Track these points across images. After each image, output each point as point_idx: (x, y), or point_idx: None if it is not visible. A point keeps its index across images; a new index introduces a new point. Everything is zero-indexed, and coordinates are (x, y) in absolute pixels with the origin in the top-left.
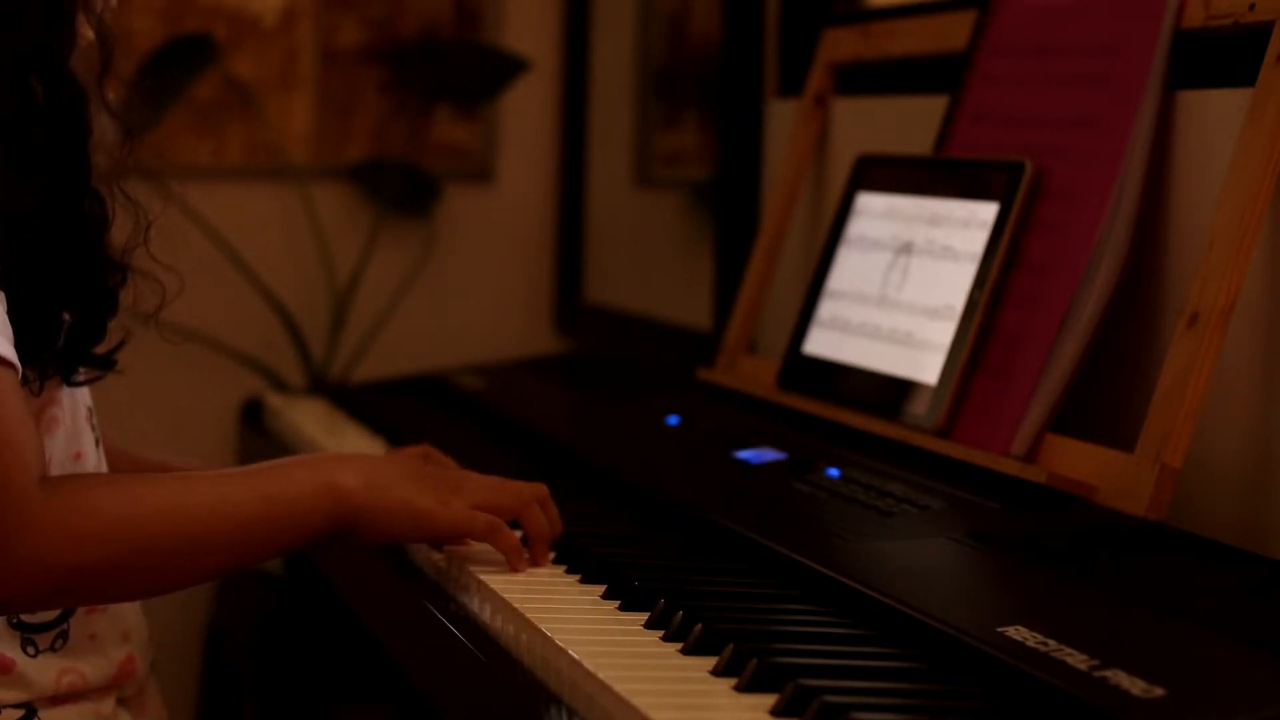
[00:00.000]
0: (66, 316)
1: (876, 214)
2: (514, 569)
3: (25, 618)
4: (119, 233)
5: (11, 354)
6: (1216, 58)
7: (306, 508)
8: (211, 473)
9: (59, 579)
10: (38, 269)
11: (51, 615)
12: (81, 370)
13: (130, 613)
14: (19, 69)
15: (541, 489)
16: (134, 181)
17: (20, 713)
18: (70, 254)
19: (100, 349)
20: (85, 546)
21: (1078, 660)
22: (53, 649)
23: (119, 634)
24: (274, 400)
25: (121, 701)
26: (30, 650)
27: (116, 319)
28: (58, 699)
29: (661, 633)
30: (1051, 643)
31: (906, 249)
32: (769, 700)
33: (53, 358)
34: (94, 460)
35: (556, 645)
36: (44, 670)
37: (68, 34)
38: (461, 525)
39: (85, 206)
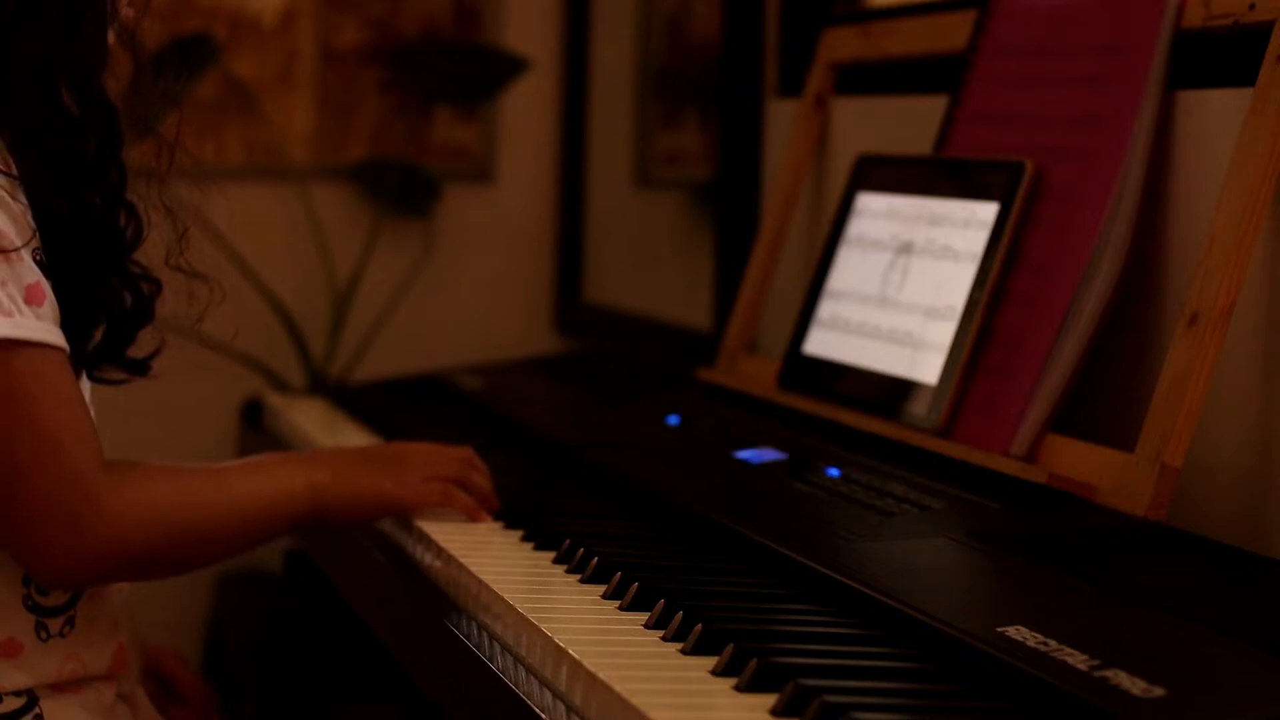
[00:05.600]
0: (100, 321)
1: (876, 214)
2: (477, 520)
3: (41, 600)
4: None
5: (62, 339)
6: (1216, 58)
7: (295, 503)
8: (223, 467)
9: (124, 557)
10: (72, 275)
11: (63, 599)
12: (111, 370)
13: (115, 598)
14: (47, 78)
15: (468, 450)
16: (170, 188)
17: (21, 700)
18: (103, 262)
19: (134, 354)
20: (150, 531)
21: (1078, 660)
22: (61, 635)
23: (110, 621)
24: (274, 400)
25: (121, 697)
26: (42, 634)
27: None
28: (58, 686)
29: (661, 633)
30: (1051, 643)
31: (906, 249)
32: (769, 700)
33: (83, 358)
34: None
35: (557, 645)
36: (50, 655)
37: (97, 46)
38: (421, 499)
39: (119, 216)
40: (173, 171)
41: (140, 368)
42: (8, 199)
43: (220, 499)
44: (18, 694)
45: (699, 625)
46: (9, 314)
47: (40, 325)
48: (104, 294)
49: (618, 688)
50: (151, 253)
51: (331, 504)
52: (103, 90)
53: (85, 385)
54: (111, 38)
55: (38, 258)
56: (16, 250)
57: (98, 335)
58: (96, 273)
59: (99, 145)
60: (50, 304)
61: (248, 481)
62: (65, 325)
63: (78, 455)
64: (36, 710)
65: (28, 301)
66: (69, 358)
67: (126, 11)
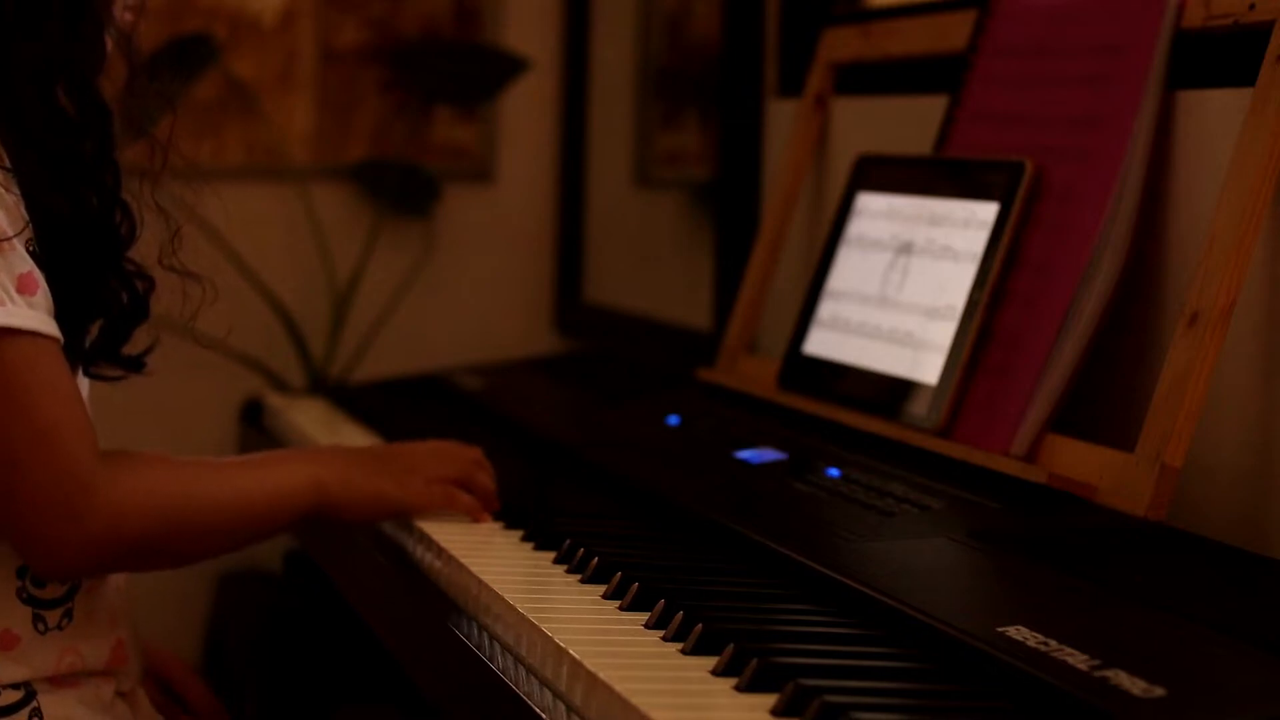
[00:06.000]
0: (97, 318)
1: (876, 214)
2: (478, 521)
3: (37, 593)
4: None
5: (56, 330)
6: (1216, 58)
7: (298, 501)
8: (225, 461)
9: (122, 548)
10: (69, 273)
11: (60, 591)
12: (107, 367)
13: (114, 595)
14: (44, 80)
15: (477, 451)
16: (163, 187)
17: (19, 694)
18: (100, 260)
19: (130, 351)
20: (147, 521)
21: (1078, 660)
22: (59, 628)
23: (109, 616)
24: (274, 400)
25: (120, 695)
26: (40, 626)
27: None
28: (56, 680)
29: (661, 633)
30: (1051, 643)
31: (906, 249)
32: (769, 700)
33: (79, 355)
34: None
35: (557, 645)
36: (47, 648)
37: (94, 48)
38: (423, 501)
39: (114, 215)
40: (167, 171)
41: (136, 364)
42: (1, 191)
43: (220, 491)
44: (15, 687)
45: (699, 625)
46: (1, 303)
47: (33, 315)
48: (101, 292)
49: (618, 688)
50: (145, 252)
51: (334, 503)
52: (98, 92)
53: (84, 383)
54: (110, 42)
55: (30, 248)
56: (8, 240)
57: (93, 332)
58: (93, 271)
59: (95, 146)
60: (44, 294)
61: (250, 475)
62: (62, 322)
63: (73, 445)
64: (34, 704)
65: (20, 291)
66: (63, 349)
67: (124, 15)
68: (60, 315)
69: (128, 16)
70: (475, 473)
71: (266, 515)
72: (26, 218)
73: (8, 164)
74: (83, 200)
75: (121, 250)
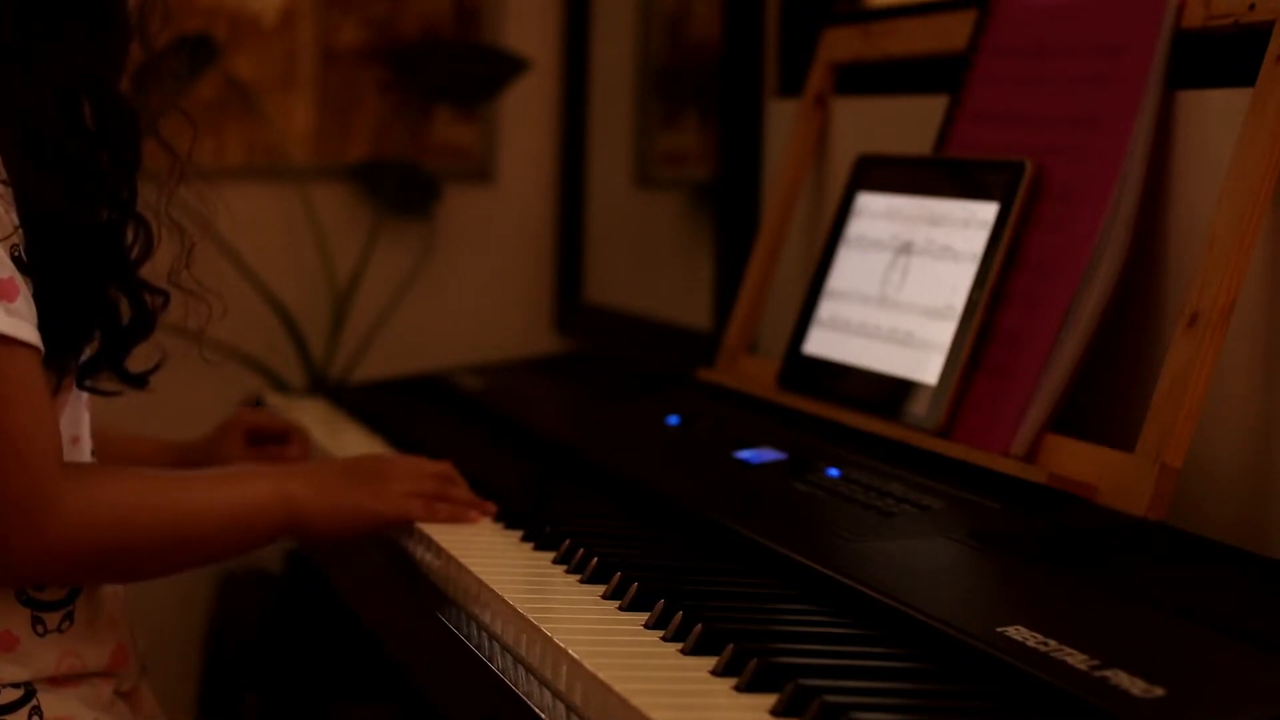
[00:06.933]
0: (95, 332)
1: (876, 214)
2: (468, 521)
3: (36, 595)
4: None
5: (35, 337)
6: (1216, 58)
7: (266, 514)
8: (193, 474)
9: (81, 558)
10: (65, 283)
11: (60, 594)
12: (106, 380)
13: (113, 599)
14: (68, 88)
15: (447, 465)
16: (179, 201)
17: (19, 693)
18: (100, 272)
19: (136, 368)
20: (106, 532)
21: (1078, 660)
22: (59, 630)
23: (109, 621)
24: (274, 400)
25: (119, 694)
26: (39, 629)
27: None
28: (56, 680)
29: (661, 633)
30: (1051, 643)
31: (906, 249)
32: (769, 700)
33: (72, 366)
34: (86, 443)
35: (557, 645)
36: (47, 650)
37: (119, 60)
38: (402, 513)
39: (124, 228)
40: (174, 177)
41: (138, 381)
42: None
43: (184, 504)
44: (15, 685)
45: (699, 625)
46: None
47: (10, 321)
48: (100, 304)
49: (618, 688)
50: (157, 265)
51: (307, 517)
52: (124, 102)
53: (82, 395)
54: (136, 51)
55: (15, 254)
56: None
57: (94, 346)
58: (92, 282)
59: (112, 158)
60: (24, 300)
61: (216, 489)
62: (56, 331)
63: (36, 452)
64: (34, 702)
65: None
66: (56, 359)
67: (156, 26)
68: (56, 325)
69: (157, 27)
70: (448, 488)
71: (232, 529)
72: (16, 223)
73: (3, 175)
74: (92, 211)
75: (128, 264)
